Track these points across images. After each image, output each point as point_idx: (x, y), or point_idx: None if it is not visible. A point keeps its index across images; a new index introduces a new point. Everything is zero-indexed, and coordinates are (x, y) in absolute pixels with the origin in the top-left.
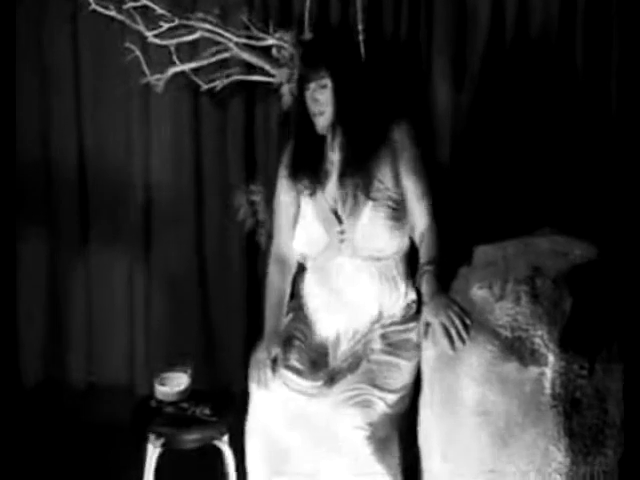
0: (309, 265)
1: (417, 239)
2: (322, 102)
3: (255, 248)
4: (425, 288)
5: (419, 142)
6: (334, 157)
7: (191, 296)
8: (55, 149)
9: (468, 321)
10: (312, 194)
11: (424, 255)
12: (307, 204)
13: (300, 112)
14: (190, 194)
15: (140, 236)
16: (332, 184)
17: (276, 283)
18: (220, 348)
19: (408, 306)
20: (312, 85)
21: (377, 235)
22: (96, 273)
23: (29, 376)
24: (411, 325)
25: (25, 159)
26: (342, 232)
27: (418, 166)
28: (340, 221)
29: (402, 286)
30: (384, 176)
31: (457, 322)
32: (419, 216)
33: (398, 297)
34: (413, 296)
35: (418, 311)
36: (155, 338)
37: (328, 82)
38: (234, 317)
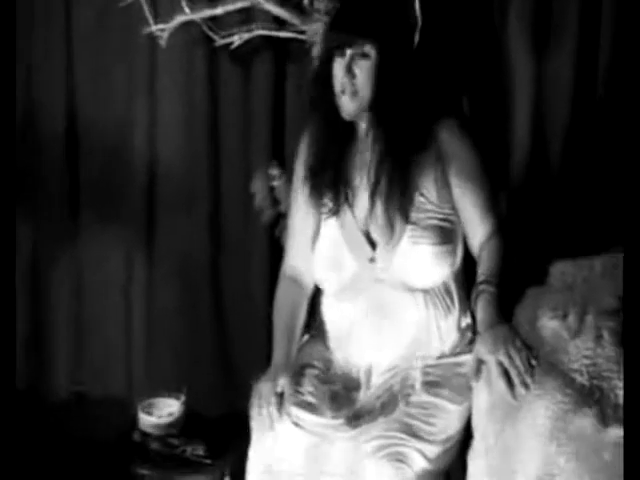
0: (332, 291)
1: (475, 250)
2: (359, 78)
3: (278, 243)
4: (480, 315)
5: (474, 143)
6: (365, 159)
7: (202, 295)
8: (40, 110)
9: (534, 361)
10: (336, 211)
11: (482, 271)
12: (329, 222)
13: (324, 89)
14: (203, 175)
15: (142, 222)
16: (363, 196)
17: (287, 302)
18: (236, 360)
19: (462, 334)
20: (349, 52)
21: (420, 265)
22: (87, 264)
23: None
24: (463, 358)
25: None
26: (374, 260)
27: (475, 172)
28: (373, 246)
29: (455, 311)
30: (428, 189)
31: (519, 362)
32: (478, 224)
33: (449, 325)
34: (468, 320)
35: (473, 340)
36: (158, 343)
37: (372, 52)
38: (253, 322)
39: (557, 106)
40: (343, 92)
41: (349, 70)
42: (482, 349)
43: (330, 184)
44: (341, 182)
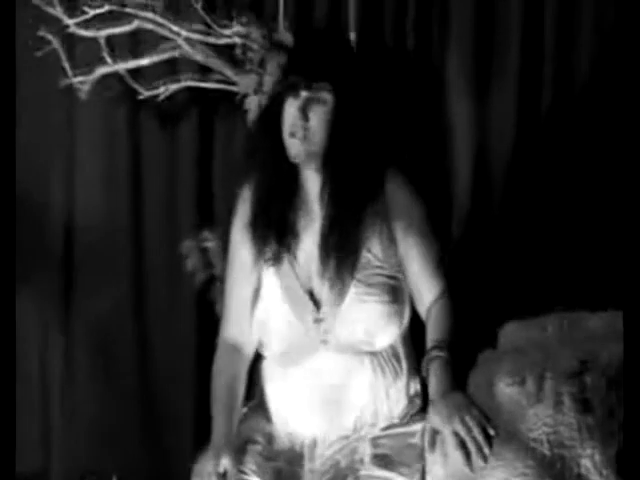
0: (273, 355)
1: (423, 314)
2: (312, 122)
3: (209, 309)
4: (433, 382)
5: (419, 196)
6: (313, 208)
7: (125, 366)
8: None
9: (492, 431)
10: (277, 263)
11: (432, 336)
12: (271, 277)
13: (271, 132)
14: (126, 238)
15: (59, 285)
16: (306, 249)
17: (226, 374)
18: (164, 436)
19: (410, 401)
20: (304, 95)
21: (366, 324)
22: None
23: None
24: (414, 428)
25: None
26: (320, 320)
27: (422, 227)
28: (317, 305)
29: (404, 377)
30: (374, 244)
31: (476, 432)
32: (425, 287)
33: (398, 392)
34: (417, 387)
35: (424, 408)
36: (78, 419)
37: (328, 98)
38: (182, 396)
39: (499, 151)
40: (293, 135)
41: (303, 112)
42: (436, 419)
43: (273, 236)
44: (285, 235)
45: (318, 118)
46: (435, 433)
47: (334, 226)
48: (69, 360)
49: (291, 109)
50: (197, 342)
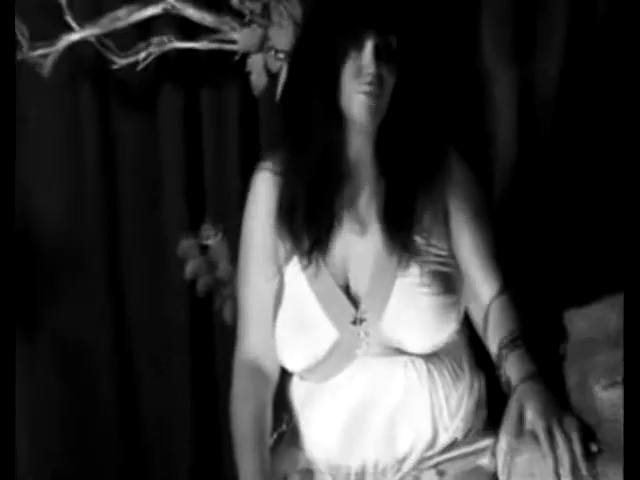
0: (303, 370)
1: (476, 315)
2: (385, 74)
3: (211, 323)
4: (515, 370)
5: (479, 178)
6: (356, 182)
7: (103, 396)
8: None
9: (595, 447)
10: (309, 263)
11: (502, 331)
12: (297, 274)
13: (321, 93)
14: (99, 242)
15: (22, 297)
16: (342, 234)
17: (251, 404)
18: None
19: (474, 410)
20: (370, 44)
21: (420, 321)
22: None
23: None
24: (482, 444)
25: None
26: (360, 320)
27: (481, 215)
28: (356, 304)
29: (465, 380)
30: (430, 229)
31: (576, 442)
32: (483, 282)
33: (460, 399)
34: (482, 392)
35: (492, 420)
36: (46, 454)
37: (394, 44)
38: (178, 434)
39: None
40: (369, 92)
41: (377, 64)
42: (530, 404)
43: (314, 231)
44: (327, 227)
45: (390, 71)
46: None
47: (393, 199)
48: (35, 390)
49: (362, 59)
50: (189, 365)
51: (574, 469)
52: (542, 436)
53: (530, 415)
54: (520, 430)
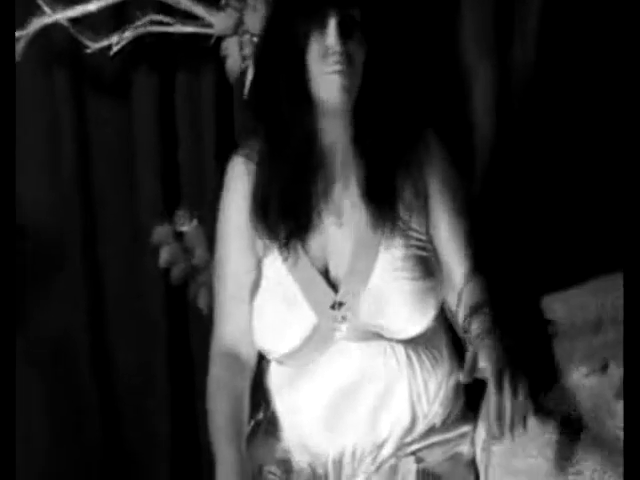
0: (281, 355)
1: (452, 301)
2: (353, 51)
3: (186, 312)
4: (478, 331)
5: (456, 163)
6: (332, 167)
7: (84, 397)
8: None
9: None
10: (288, 248)
11: (468, 303)
12: (275, 260)
13: (289, 76)
14: (74, 230)
15: None
16: (322, 228)
17: (228, 394)
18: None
19: (452, 395)
20: (334, 21)
21: (399, 305)
22: None
23: None
24: (461, 430)
25: None
26: (339, 304)
27: (459, 198)
28: (335, 289)
29: (444, 365)
30: (410, 209)
31: (522, 397)
32: (458, 266)
33: (438, 384)
34: (460, 378)
35: (470, 406)
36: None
37: (359, 19)
38: (154, 429)
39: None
40: (337, 70)
41: (343, 42)
42: (484, 352)
43: (290, 220)
44: (304, 215)
45: (357, 46)
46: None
47: (375, 177)
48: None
49: (327, 39)
50: (172, 356)
51: (513, 415)
52: (492, 377)
53: (483, 362)
54: (471, 375)
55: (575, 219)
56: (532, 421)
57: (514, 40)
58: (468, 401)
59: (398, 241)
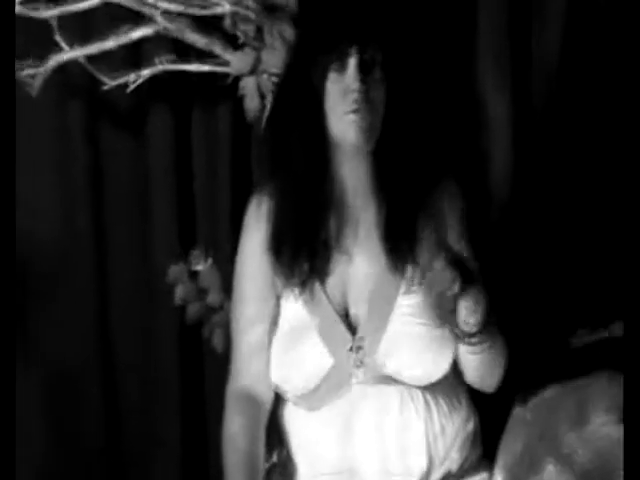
0: (297, 398)
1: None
2: (372, 92)
3: (201, 351)
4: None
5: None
6: (351, 209)
7: (89, 428)
8: None
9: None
10: (305, 289)
11: None
12: (294, 306)
13: (306, 117)
14: (87, 266)
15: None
16: (341, 268)
17: (244, 438)
18: None
19: (469, 442)
20: (354, 61)
21: (418, 350)
22: None
23: None
24: (479, 477)
25: None
26: (358, 349)
27: (468, 249)
28: (353, 331)
29: (462, 410)
30: (422, 251)
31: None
32: None
33: (456, 430)
34: (477, 425)
35: (486, 454)
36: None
37: (379, 58)
38: (163, 467)
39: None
40: (356, 110)
41: (363, 81)
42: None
43: (305, 259)
44: (320, 254)
45: (377, 86)
46: None
47: (396, 220)
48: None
49: (346, 78)
50: (179, 399)
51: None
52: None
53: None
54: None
55: (594, 251)
56: None
57: (532, 71)
58: (485, 450)
59: (417, 286)
